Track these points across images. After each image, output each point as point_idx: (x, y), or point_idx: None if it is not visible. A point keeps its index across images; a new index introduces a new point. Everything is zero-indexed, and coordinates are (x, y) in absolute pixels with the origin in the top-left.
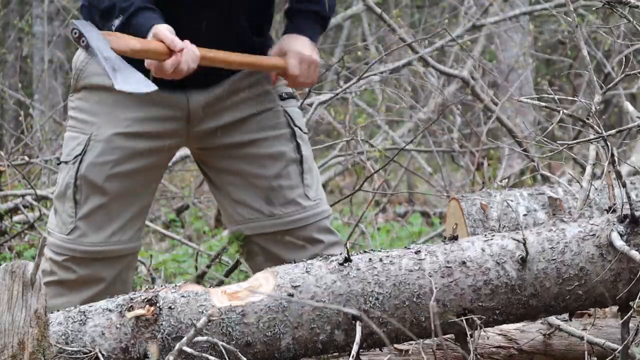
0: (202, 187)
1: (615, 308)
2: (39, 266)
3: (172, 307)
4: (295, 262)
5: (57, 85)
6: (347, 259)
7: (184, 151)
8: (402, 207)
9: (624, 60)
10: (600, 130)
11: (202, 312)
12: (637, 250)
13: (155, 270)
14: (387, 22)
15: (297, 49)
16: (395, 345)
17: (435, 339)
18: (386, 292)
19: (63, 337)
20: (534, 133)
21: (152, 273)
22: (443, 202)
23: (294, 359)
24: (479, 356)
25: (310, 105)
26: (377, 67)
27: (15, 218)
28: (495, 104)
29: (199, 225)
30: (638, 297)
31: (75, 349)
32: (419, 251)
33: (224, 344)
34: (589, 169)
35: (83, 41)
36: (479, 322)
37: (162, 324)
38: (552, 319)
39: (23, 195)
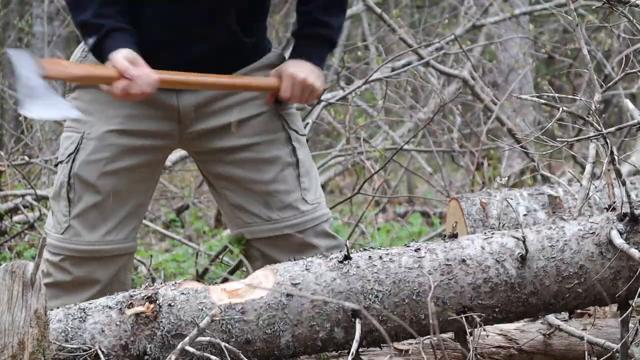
0: (202, 187)
1: (615, 308)
2: (39, 266)
3: (172, 304)
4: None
5: (57, 85)
6: (347, 257)
7: (184, 151)
8: (402, 207)
9: (624, 59)
10: (600, 128)
11: (202, 310)
12: (636, 249)
13: (155, 270)
14: (387, 22)
15: (292, 71)
16: (395, 345)
17: (434, 337)
18: (386, 290)
19: (63, 334)
20: (534, 132)
21: (152, 273)
22: (443, 202)
23: (294, 356)
24: (479, 356)
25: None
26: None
27: (15, 218)
28: (495, 104)
29: (199, 225)
30: (637, 295)
31: (75, 346)
32: (419, 249)
33: (225, 343)
34: (588, 168)
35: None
36: (478, 320)
37: (161, 321)
38: (552, 318)
39: (23, 195)
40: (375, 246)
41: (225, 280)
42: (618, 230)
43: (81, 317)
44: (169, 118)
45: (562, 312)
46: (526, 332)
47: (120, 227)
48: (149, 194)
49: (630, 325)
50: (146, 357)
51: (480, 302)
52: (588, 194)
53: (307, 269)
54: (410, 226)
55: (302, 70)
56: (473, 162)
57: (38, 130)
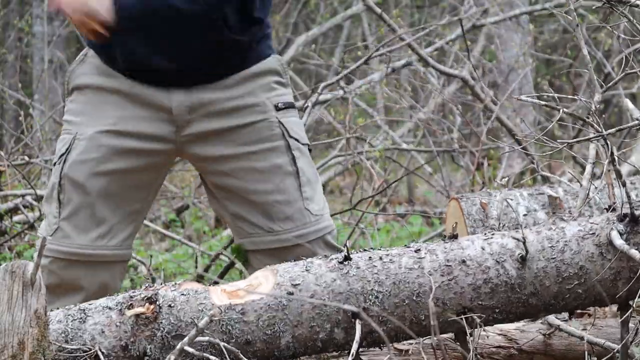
0: (202, 187)
1: (615, 308)
2: (39, 266)
3: (172, 305)
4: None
5: (57, 85)
6: (347, 258)
7: None
8: (402, 207)
9: (624, 59)
10: (600, 129)
11: (202, 311)
12: (636, 249)
13: (155, 270)
14: (387, 22)
15: None
16: (395, 345)
17: (435, 337)
18: (386, 291)
19: (63, 335)
20: (534, 133)
21: (152, 273)
22: (443, 202)
23: (294, 357)
24: (479, 356)
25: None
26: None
27: (15, 218)
28: (495, 104)
29: (199, 225)
30: (638, 295)
31: (75, 347)
32: (419, 250)
33: (225, 344)
34: (588, 168)
35: None
36: (478, 320)
37: (161, 322)
38: (552, 319)
39: (23, 195)
40: (376, 247)
41: (215, 283)
42: (618, 231)
43: (81, 318)
44: (163, 120)
45: (562, 313)
46: (526, 332)
47: (113, 232)
48: (147, 202)
49: (631, 325)
50: (146, 357)
51: (480, 302)
52: (588, 194)
53: (307, 270)
54: (410, 226)
55: None
56: (473, 162)
57: (38, 130)
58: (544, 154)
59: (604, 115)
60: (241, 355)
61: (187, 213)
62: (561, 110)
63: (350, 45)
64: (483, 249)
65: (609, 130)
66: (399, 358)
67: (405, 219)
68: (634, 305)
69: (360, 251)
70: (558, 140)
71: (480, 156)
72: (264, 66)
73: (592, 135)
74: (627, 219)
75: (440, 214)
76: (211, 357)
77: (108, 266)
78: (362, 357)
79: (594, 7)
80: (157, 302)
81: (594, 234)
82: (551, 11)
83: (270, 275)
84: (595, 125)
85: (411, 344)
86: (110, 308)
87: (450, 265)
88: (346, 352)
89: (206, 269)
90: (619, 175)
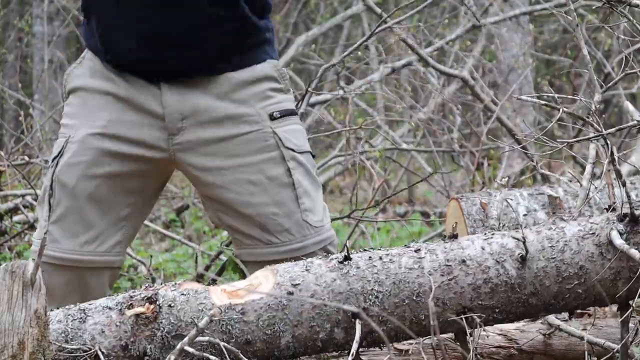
0: None
1: (615, 308)
2: (39, 266)
3: (172, 305)
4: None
5: (57, 85)
6: (347, 257)
7: None
8: (402, 207)
9: (624, 59)
10: (600, 129)
11: (202, 310)
12: (636, 249)
13: (155, 270)
14: (387, 22)
15: None
16: (395, 345)
17: (435, 337)
18: (386, 291)
19: (63, 335)
20: (534, 132)
21: (152, 273)
22: (443, 202)
23: (294, 357)
24: (478, 356)
25: (312, 106)
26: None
27: (15, 218)
28: (495, 104)
29: (199, 225)
30: (637, 295)
31: (75, 346)
32: (419, 249)
33: (225, 344)
34: (588, 168)
35: None
36: (478, 320)
37: (161, 322)
38: (552, 318)
39: (23, 195)
40: (375, 246)
41: (213, 282)
42: (618, 231)
43: (81, 318)
44: (156, 127)
45: (562, 313)
46: (526, 332)
47: (102, 238)
48: (137, 208)
49: (631, 325)
50: (146, 357)
51: (480, 302)
52: (588, 194)
53: (307, 270)
54: (410, 226)
55: None
56: (473, 162)
57: (38, 130)
58: (544, 153)
59: (604, 115)
60: (241, 355)
61: (187, 213)
62: (561, 110)
63: (350, 45)
64: (483, 248)
65: (609, 130)
66: (399, 358)
67: (405, 218)
68: (633, 305)
69: (360, 251)
70: (558, 140)
71: (480, 156)
72: (258, 73)
73: (592, 135)
74: (627, 218)
75: (440, 214)
76: (211, 357)
77: (96, 272)
78: (362, 357)
79: (594, 7)
80: (157, 302)
81: (594, 233)
82: (551, 11)
83: (270, 275)
84: (595, 125)
85: (411, 344)
86: (110, 308)
87: (450, 265)
88: (346, 352)
89: (206, 269)
90: (619, 175)
